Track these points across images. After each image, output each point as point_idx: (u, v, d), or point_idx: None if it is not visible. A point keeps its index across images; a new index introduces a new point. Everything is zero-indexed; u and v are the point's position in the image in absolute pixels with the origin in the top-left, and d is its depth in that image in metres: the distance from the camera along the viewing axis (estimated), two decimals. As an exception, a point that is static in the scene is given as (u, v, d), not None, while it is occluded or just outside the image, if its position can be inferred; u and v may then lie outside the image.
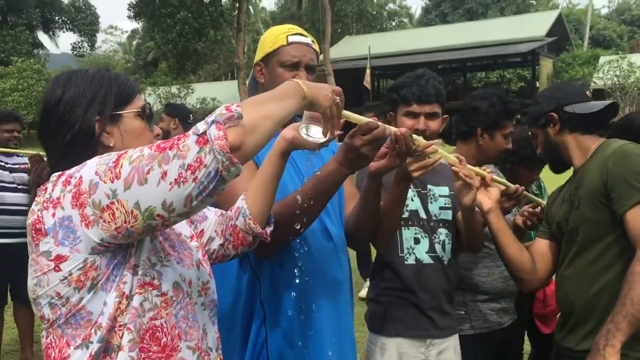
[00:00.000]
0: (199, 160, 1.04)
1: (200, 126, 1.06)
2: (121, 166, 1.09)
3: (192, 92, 30.29)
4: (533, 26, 34.04)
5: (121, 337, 1.19)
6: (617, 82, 26.78)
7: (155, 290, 1.23)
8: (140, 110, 1.35)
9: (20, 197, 4.52)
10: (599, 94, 27.72)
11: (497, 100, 2.52)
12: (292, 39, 1.83)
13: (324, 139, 1.43)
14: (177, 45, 30.58)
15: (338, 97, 1.38)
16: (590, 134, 2.11)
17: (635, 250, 1.80)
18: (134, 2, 30.79)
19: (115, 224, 1.10)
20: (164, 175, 1.05)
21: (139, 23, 36.94)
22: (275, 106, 1.20)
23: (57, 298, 1.18)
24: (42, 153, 4.44)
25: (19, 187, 4.53)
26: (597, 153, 2.03)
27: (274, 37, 1.86)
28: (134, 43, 59.80)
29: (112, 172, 1.09)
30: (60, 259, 1.16)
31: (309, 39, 1.91)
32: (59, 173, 1.21)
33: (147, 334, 1.21)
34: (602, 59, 30.57)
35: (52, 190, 1.18)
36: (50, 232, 1.16)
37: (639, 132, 2.63)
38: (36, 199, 1.22)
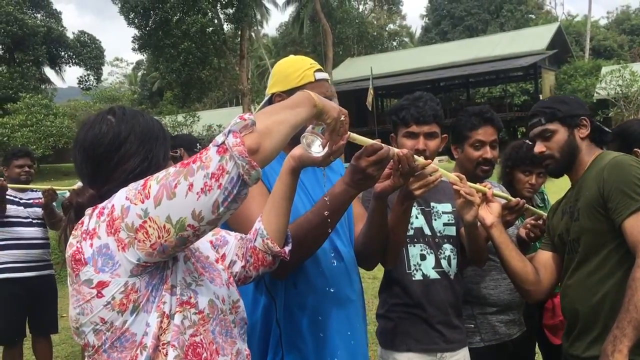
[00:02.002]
0: (221, 168, 1.13)
1: (219, 138, 1.16)
2: (150, 187, 1.17)
3: (198, 120, 30.53)
4: (533, 40, 34.27)
5: (166, 355, 1.25)
6: (620, 92, 26.80)
7: (193, 309, 1.30)
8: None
9: (35, 232, 4.61)
10: (602, 104, 27.80)
11: (463, 114, 2.59)
12: (318, 75, 1.90)
13: (323, 152, 1.52)
14: (181, 75, 30.93)
15: (343, 116, 1.49)
16: (597, 147, 2.19)
17: (635, 257, 1.86)
18: (138, 35, 31.23)
19: (150, 241, 1.18)
20: (191, 186, 1.13)
21: (143, 55, 37.40)
22: (288, 114, 1.30)
23: (101, 324, 1.24)
24: (55, 187, 4.56)
25: (34, 221, 4.62)
26: (594, 165, 2.11)
27: (300, 72, 1.90)
28: (139, 74, 60.52)
29: (141, 194, 1.18)
30: (102, 285, 1.23)
31: (327, 74, 2.00)
32: (92, 207, 1.29)
33: (190, 349, 1.28)
34: (604, 69, 30.65)
35: (89, 222, 1.27)
36: (90, 261, 1.23)
37: (632, 139, 2.71)
38: (73, 232, 1.30)
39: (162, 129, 1.47)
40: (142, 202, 1.17)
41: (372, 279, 6.90)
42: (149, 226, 1.16)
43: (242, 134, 1.16)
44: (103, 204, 1.27)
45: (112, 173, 1.38)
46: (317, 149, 1.53)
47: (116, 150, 1.38)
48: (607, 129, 2.35)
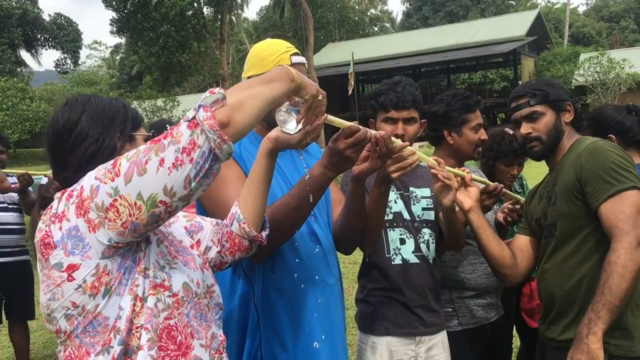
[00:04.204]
0: (192, 142, 1.12)
1: (190, 113, 1.15)
2: (120, 165, 1.16)
3: (178, 105, 30.23)
4: (513, 26, 34.46)
5: (139, 338, 1.23)
6: (597, 79, 27.09)
7: (167, 291, 1.29)
8: (151, 135, 1.43)
9: (10, 217, 4.54)
10: (580, 90, 28.11)
11: (453, 99, 2.59)
12: (294, 59, 1.88)
13: (297, 129, 1.51)
14: (160, 59, 30.61)
15: (321, 96, 1.48)
16: (576, 132, 2.21)
17: (611, 242, 1.88)
18: (116, 17, 30.76)
19: (121, 219, 1.16)
20: (162, 162, 1.12)
21: (122, 38, 36.86)
22: (263, 88, 1.28)
23: (73, 308, 1.22)
24: (31, 172, 4.48)
25: (9, 206, 4.55)
26: (572, 150, 2.12)
27: (276, 56, 1.88)
28: (117, 58, 59.69)
29: (111, 172, 1.16)
30: (72, 268, 1.20)
31: (304, 59, 1.98)
32: (62, 191, 1.27)
33: (164, 333, 1.27)
34: (582, 56, 30.92)
35: (58, 205, 1.24)
36: (59, 244, 1.21)
37: (607, 124, 2.73)
38: (42, 217, 1.27)
39: (122, 110, 1.44)
40: (112, 180, 1.15)
41: (352, 263, 6.93)
42: (120, 204, 1.15)
43: (212, 108, 1.14)
44: (72, 187, 1.24)
45: (67, 159, 1.36)
46: (292, 126, 1.51)
47: (68, 135, 1.36)
48: (582, 116, 2.37)
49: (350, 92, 23.40)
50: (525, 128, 2.18)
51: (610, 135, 2.73)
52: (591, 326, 1.82)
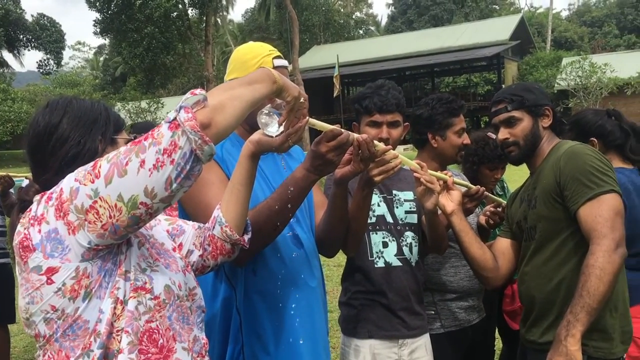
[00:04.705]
0: (173, 143, 1.12)
1: (171, 114, 1.15)
2: (100, 166, 1.15)
3: (163, 107, 30.05)
4: (497, 30, 34.77)
5: (120, 342, 1.23)
6: (579, 83, 27.41)
7: (149, 294, 1.28)
8: (132, 138, 1.42)
9: (-10, 219, 4.48)
10: (563, 94, 28.41)
11: (437, 103, 2.60)
12: (277, 62, 1.88)
13: (279, 132, 1.51)
14: (144, 60, 30.43)
15: (303, 98, 1.48)
16: (556, 136, 2.23)
17: (589, 245, 1.91)
18: (100, 18, 30.53)
19: (101, 221, 1.15)
20: (143, 163, 1.11)
21: (105, 39, 36.59)
22: (244, 89, 1.28)
23: (52, 311, 1.21)
24: (12, 174, 4.43)
25: (-11, 208, 4.49)
26: (552, 154, 2.15)
27: (259, 59, 1.88)
28: (101, 59, 59.24)
29: (91, 174, 1.15)
30: (51, 271, 1.19)
31: (286, 62, 1.98)
32: (41, 193, 1.26)
33: (145, 336, 1.26)
34: (564, 61, 31.30)
35: (37, 208, 1.23)
36: (38, 247, 1.20)
37: (587, 129, 2.77)
38: (21, 220, 1.26)
39: (104, 113, 1.44)
40: (92, 182, 1.14)
41: (337, 266, 6.94)
42: (100, 206, 1.14)
43: (194, 109, 1.14)
44: (52, 189, 1.23)
45: (48, 162, 1.35)
46: (274, 129, 1.51)
47: (48, 138, 1.35)
48: (563, 120, 2.40)
49: (335, 95, 23.46)
50: (503, 133, 2.21)
51: (592, 138, 2.77)
52: (570, 328, 1.84)
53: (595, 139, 2.77)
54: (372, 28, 58.96)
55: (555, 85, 29.52)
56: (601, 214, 1.90)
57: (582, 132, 2.79)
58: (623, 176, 2.60)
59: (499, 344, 3.48)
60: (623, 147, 2.77)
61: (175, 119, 1.13)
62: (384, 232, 2.32)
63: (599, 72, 26.97)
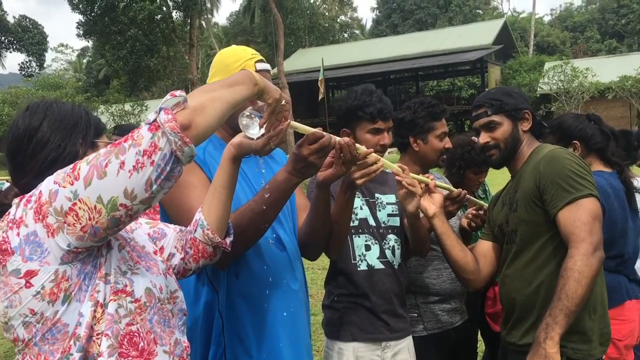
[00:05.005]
0: (153, 145, 1.11)
1: (151, 116, 1.15)
2: (79, 168, 1.14)
3: (147, 109, 29.93)
4: (480, 35, 35.07)
5: (99, 345, 1.22)
6: (561, 87, 27.71)
7: (129, 297, 1.27)
8: (114, 141, 1.41)
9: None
10: (545, 98, 28.70)
11: (420, 106, 2.63)
12: (259, 66, 1.88)
13: (259, 134, 1.52)
14: (128, 63, 30.24)
15: (284, 101, 1.49)
16: (536, 139, 2.26)
17: (568, 248, 1.93)
18: (83, 21, 30.30)
19: (80, 223, 1.14)
20: (122, 164, 1.11)
21: (88, 41, 36.33)
22: (225, 91, 1.28)
23: (31, 315, 1.20)
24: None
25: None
26: (532, 157, 2.17)
27: (241, 62, 1.88)
28: (84, 61, 58.78)
29: (70, 176, 1.15)
30: (30, 274, 1.18)
31: (268, 65, 1.98)
32: (20, 197, 1.25)
33: (125, 339, 1.25)
34: (546, 65, 31.61)
35: (15, 211, 1.22)
36: (17, 251, 1.19)
37: (568, 133, 2.81)
38: (0, 224, 1.25)
39: (84, 116, 1.43)
40: (72, 184, 1.14)
41: (322, 269, 6.94)
42: (79, 208, 1.13)
43: (174, 110, 1.14)
44: (31, 192, 1.23)
45: (27, 165, 1.34)
46: (255, 131, 1.52)
47: (28, 141, 1.34)
48: (544, 123, 2.43)
49: (320, 99, 23.48)
50: (483, 137, 2.23)
51: (575, 141, 2.81)
52: (549, 331, 1.86)
53: (577, 142, 2.81)
54: (357, 32, 59.17)
55: (538, 89, 29.82)
56: (579, 217, 1.93)
57: (564, 135, 2.83)
58: (602, 179, 2.64)
59: (481, 346, 3.51)
60: (604, 151, 2.82)
61: (155, 120, 1.13)
62: (366, 235, 2.33)
63: (580, 77, 27.30)
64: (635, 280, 2.83)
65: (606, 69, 27.74)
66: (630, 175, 2.94)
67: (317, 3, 51.29)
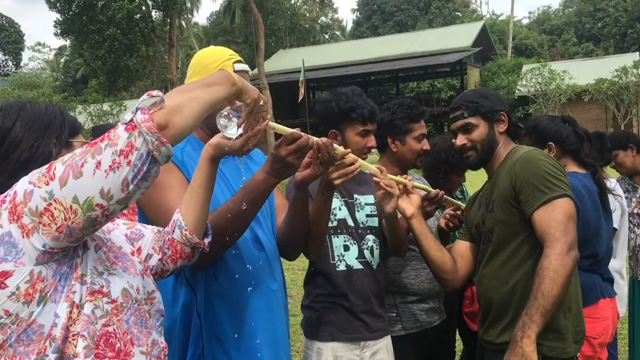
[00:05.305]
0: (130, 144, 1.11)
1: (127, 116, 1.14)
2: (54, 169, 1.14)
3: (125, 109, 29.56)
4: (459, 37, 35.34)
5: (75, 346, 1.21)
6: (539, 89, 28.05)
7: (106, 298, 1.27)
8: (89, 141, 1.40)
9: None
10: (523, 100, 29.03)
11: (399, 108, 2.65)
12: (237, 67, 1.88)
13: (237, 133, 1.52)
14: (106, 62, 29.95)
15: (263, 101, 1.49)
16: (512, 141, 2.29)
17: (544, 248, 1.96)
18: (61, 19, 29.92)
19: (56, 224, 1.14)
20: (99, 164, 1.11)
21: (66, 40, 35.87)
22: (202, 91, 1.29)
23: (6, 316, 1.18)
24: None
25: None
26: (508, 158, 2.20)
27: (219, 63, 1.88)
28: (61, 60, 58.03)
29: (45, 176, 1.14)
30: (4, 275, 1.17)
31: (247, 66, 1.98)
32: None
33: (102, 340, 1.24)
34: (524, 67, 31.99)
35: None
36: None
37: (544, 134, 2.86)
38: None
39: (59, 116, 1.42)
40: (47, 184, 1.13)
41: (302, 270, 6.94)
42: (55, 208, 1.13)
43: (151, 110, 1.14)
44: (5, 193, 1.21)
45: (0, 165, 1.33)
46: (233, 131, 1.52)
47: (1, 142, 1.33)
48: (521, 124, 2.46)
49: (300, 99, 23.46)
50: (460, 139, 2.26)
51: (550, 143, 2.86)
52: (525, 330, 1.89)
53: (552, 144, 2.85)
54: (338, 33, 59.25)
55: (516, 91, 30.15)
56: (554, 217, 1.96)
57: (540, 137, 2.88)
58: (577, 180, 2.68)
59: (459, 345, 3.54)
60: (578, 152, 2.87)
61: (131, 120, 1.13)
62: (345, 235, 2.34)
63: (557, 79, 27.66)
64: (609, 279, 2.89)
65: (583, 72, 28.13)
66: (604, 176, 3.00)
67: (298, 4, 51.27)
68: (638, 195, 3.71)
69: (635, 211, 3.71)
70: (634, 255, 3.75)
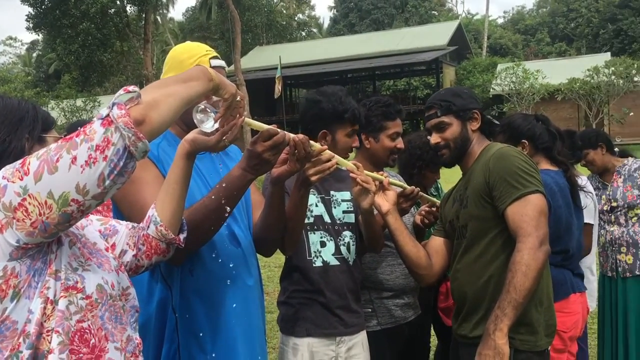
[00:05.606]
0: (106, 139, 1.11)
1: (103, 111, 1.14)
2: (29, 163, 1.13)
3: (99, 105, 29.13)
4: (435, 36, 35.58)
5: (50, 342, 1.20)
6: (513, 88, 28.38)
7: (80, 294, 1.26)
8: (63, 136, 1.39)
9: None
10: (497, 99, 29.35)
11: (374, 105, 2.66)
12: (214, 63, 1.88)
13: (214, 128, 1.52)
14: (80, 57, 29.50)
15: (239, 97, 1.49)
16: (486, 138, 2.32)
17: (516, 242, 2.00)
18: (33, 13, 29.37)
19: (30, 219, 1.13)
20: (74, 159, 1.10)
21: (38, 34, 35.24)
22: (179, 87, 1.28)
23: None
24: None
25: None
26: (482, 155, 2.23)
27: (195, 59, 1.87)
28: (34, 55, 57.01)
29: (19, 171, 1.13)
30: None
31: (223, 62, 1.98)
32: None
33: (76, 336, 1.24)
34: (499, 67, 32.32)
35: None
36: None
37: (518, 132, 2.91)
38: None
39: (31, 111, 1.40)
40: (21, 179, 1.12)
41: (278, 267, 6.95)
42: (29, 203, 1.12)
43: (127, 106, 1.14)
44: None
45: None
46: (209, 125, 1.52)
47: None
48: (496, 121, 2.50)
49: (277, 96, 23.40)
50: (434, 138, 2.29)
51: (524, 140, 2.91)
52: (497, 323, 1.92)
53: (526, 141, 2.91)
54: (315, 30, 59.22)
55: (491, 90, 30.45)
56: (527, 213, 2.00)
57: (514, 135, 2.93)
58: (549, 177, 2.73)
59: (434, 340, 3.58)
60: (550, 150, 2.92)
61: (108, 115, 1.12)
62: (321, 232, 2.36)
63: (531, 78, 28.00)
64: (579, 274, 2.95)
65: (556, 72, 28.51)
66: (575, 174, 3.06)
67: (275, 1, 51.11)
68: (608, 193, 3.79)
69: (605, 208, 3.79)
70: (603, 251, 3.84)
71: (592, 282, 3.69)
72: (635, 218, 3.67)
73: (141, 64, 31.86)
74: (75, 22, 28.24)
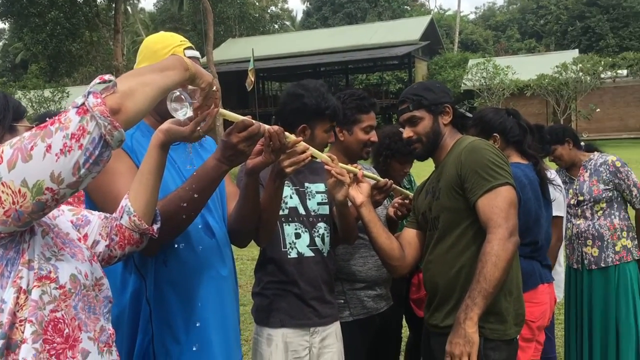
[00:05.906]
0: (81, 128, 1.10)
1: (79, 99, 1.13)
2: (2, 152, 1.12)
3: (68, 96, 28.60)
4: (408, 30, 35.77)
5: (23, 332, 1.19)
6: (484, 84, 28.74)
7: (53, 283, 1.25)
8: (34, 126, 1.37)
9: None
10: (468, 94, 29.67)
11: (348, 98, 2.68)
12: (188, 53, 1.86)
13: (188, 115, 1.51)
14: (48, 47, 28.90)
15: (215, 87, 1.49)
16: (458, 132, 2.36)
17: (486, 233, 2.04)
18: (-1, 1, 28.65)
19: (3, 207, 1.12)
20: (49, 148, 1.09)
21: (4, 23, 34.37)
22: (155, 76, 1.28)
23: None
24: None
25: None
26: (454, 148, 2.27)
27: (169, 49, 1.86)
28: (0, 44, 55.61)
29: None
30: None
31: (198, 53, 1.97)
32: None
33: (50, 325, 1.23)
34: (470, 62, 32.64)
35: None
36: None
37: (489, 126, 2.96)
38: None
39: (2, 100, 1.39)
40: None
41: (251, 260, 6.94)
42: (2, 192, 1.11)
43: (103, 95, 1.13)
44: None
45: None
46: (182, 112, 1.51)
47: None
48: (469, 114, 2.54)
49: (250, 89, 23.26)
50: (407, 132, 2.33)
51: (495, 134, 2.96)
52: (468, 312, 1.96)
53: (497, 135, 2.96)
54: (288, 23, 58.99)
55: (462, 85, 30.77)
56: (497, 204, 2.04)
57: (485, 128, 2.98)
58: (519, 170, 2.79)
59: (406, 331, 3.63)
60: (521, 144, 2.98)
61: (83, 104, 1.12)
62: (296, 223, 2.37)
63: (501, 74, 28.38)
64: (547, 265, 3.02)
65: (525, 68, 28.92)
66: (544, 167, 3.13)
67: (248, -8, 50.70)
68: (575, 187, 3.88)
69: (572, 202, 3.88)
70: (570, 244, 3.93)
71: (559, 273, 3.78)
72: (601, 212, 3.76)
73: (111, 55, 31.34)
74: (43, 10, 27.63)
